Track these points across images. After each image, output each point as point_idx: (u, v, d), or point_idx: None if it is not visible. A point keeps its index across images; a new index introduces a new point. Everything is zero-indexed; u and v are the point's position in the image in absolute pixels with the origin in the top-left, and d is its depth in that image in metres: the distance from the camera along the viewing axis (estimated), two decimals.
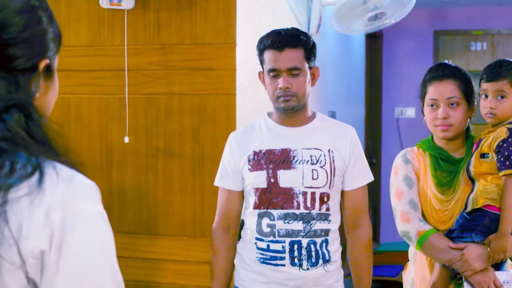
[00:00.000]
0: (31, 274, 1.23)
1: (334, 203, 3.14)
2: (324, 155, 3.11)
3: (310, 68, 3.13)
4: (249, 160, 3.15)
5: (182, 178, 4.11)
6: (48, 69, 1.40)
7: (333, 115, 6.24)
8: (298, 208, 3.07)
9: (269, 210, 3.10)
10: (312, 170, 3.09)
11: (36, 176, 1.25)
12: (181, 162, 4.11)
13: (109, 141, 4.23)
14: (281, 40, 3.07)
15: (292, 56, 3.07)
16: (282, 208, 3.07)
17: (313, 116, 3.23)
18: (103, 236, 1.30)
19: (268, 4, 4.54)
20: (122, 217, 4.22)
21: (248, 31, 4.14)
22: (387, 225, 8.27)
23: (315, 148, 3.12)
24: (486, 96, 3.09)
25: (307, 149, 3.12)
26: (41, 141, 1.30)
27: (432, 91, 3.16)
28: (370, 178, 3.24)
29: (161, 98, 4.13)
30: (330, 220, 3.12)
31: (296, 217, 3.07)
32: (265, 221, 3.11)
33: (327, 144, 3.13)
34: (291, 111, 3.12)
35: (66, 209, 1.25)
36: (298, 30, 3.16)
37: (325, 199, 3.10)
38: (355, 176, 3.18)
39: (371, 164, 8.05)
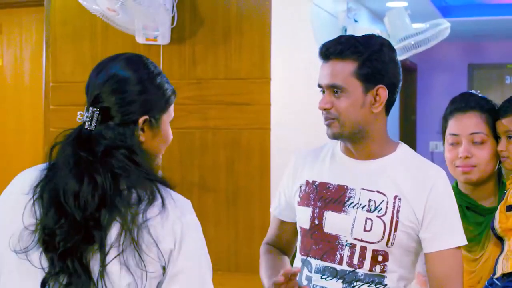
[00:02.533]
0: (164, 264, 1.84)
1: (397, 265, 2.36)
2: (387, 202, 2.34)
3: (367, 89, 2.34)
4: (300, 191, 2.50)
5: (217, 212, 4.11)
6: (151, 122, 1.97)
7: None
8: (340, 263, 2.36)
9: (308, 259, 2.43)
10: (366, 218, 2.34)
11: (159, 200, 1.84)
12: (216, 196, 4.12)
13: None
14: (328, 47, 2.36)
15: (334, 70, 2.34)
16: (321, 259, 2.39)
17: (393, 148, 2.44)
18: (201, 235, 1.92)
19: (302, 39, 4.56)
20: None
21: (283, 66, 4.15)
22: None
23: (377, 192, 2.36)
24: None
25: (367, 190, 2.37)
26: (145, 169, 1.89)
27: (453, 125, 2.63)
28: (459, 241, 2.36)
29: (196, 132, 4.15)
30: (386, 286, 2.35)
31: (335, 274, 2.36)
32: (305, 271, 2.44)
33: (394, 189, 2.35)
34: (337, 139, 2.43)
35: (182, 222, 1.86)
36: (367, 36, 2.41)
37: (380, 258, 2.34)
38: (434, 235, 2.34)
39: None
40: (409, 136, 8.78)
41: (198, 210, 4.08)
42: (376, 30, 5.19)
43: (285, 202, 2.58)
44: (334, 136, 2.38)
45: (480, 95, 2.70)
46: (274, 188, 3.98)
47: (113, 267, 1.81)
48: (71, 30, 4.40)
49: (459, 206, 2.49)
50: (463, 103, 2.63)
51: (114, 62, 1.98)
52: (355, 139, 2.39)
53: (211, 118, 4.12)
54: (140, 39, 4.08)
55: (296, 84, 4.37)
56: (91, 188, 1.82)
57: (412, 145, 8.84)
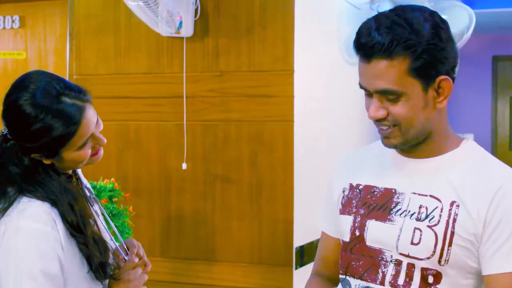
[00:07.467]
0: None
1: None
2: (442, 210, 1.90)
3: (428, 85, 1.90)
4: (343, 196, 2.12)
5: (240, 205, 4.11)
6: (49, 156, 2.09)
7: None
8: (382, 283, 1.95)
9: (347, 278, 2.05)
10: (415, 229, 1.92)
11: (6, 205, 2.02)
12: (239, 189, 4.12)
13: (167, 167, 4.26)
14: (369, 43, 1.86)
15: (382, 72, 1.87)
16: (361, 278, 2.00)
17: (456, 145, 2.01)
18: (25, 242, 1.98)
19: (325, 31, 4.54)
20: (180, 243, 4.23)
21: (306, 58, 4.14)
22: None
23: (430, 196, 1.93)
24: None
25: (418, 195, 1.95)
26: (27, 184, 2.07)
27: None
28: None
29: (219, 125, 4.15)
30: None
31: None
32: None
33: (452, 193, 1.91)
34: (396, 148, 2.03)
35: (7, 225, 1.99)
36: (411, 17, 1.86)
37: (430, 279, 1.90)
38: (494, 252, 1.85)
39: None
40: None
41: (221, 203, 4.12)
42: None
43: (330, 213, 2.19)
44: (396, 147, 2.00)
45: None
46: (297, 181, 3.98)
47: None
48: (95, 23, 4.41)
49: None
50: None
51: (22, 92, 2.06)
52: (419, 142, 1.99)
53: (234, 111, 4.11)
54: (163, 32, 4.08)
55: (319, 76, 4.36)
56: None
57: None
